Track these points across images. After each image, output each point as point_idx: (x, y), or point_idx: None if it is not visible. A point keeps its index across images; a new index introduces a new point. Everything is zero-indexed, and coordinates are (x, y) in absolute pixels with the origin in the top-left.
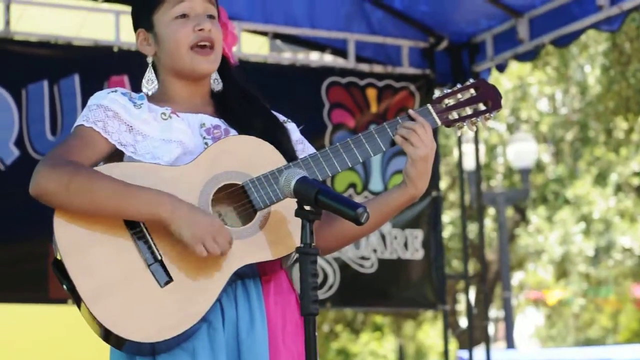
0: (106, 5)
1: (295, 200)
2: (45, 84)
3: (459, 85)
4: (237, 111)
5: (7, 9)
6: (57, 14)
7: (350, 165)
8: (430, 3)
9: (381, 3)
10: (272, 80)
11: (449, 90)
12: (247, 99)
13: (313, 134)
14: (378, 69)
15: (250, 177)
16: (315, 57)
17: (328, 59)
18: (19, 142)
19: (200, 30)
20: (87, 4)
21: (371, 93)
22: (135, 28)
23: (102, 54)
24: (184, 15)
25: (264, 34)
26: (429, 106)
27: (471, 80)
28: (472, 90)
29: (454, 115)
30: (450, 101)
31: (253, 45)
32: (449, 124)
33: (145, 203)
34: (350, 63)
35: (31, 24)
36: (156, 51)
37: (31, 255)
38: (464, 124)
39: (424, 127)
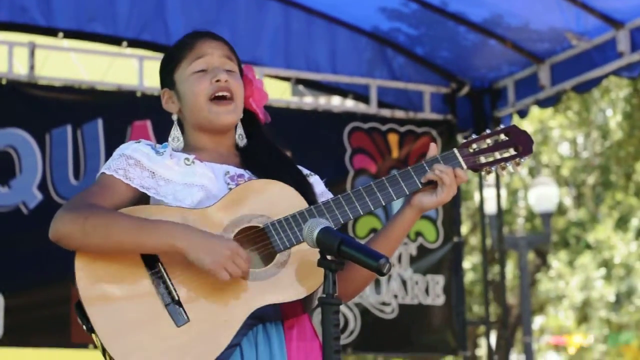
0: (130, 51)
1: (318, 250)
2: (69, 128)
3: (488, 130)
4: (264, 164)
5: (32, 53)
6: (81, 59)
7: (373, 209)
8: (451, 49)
9: (403, 49)
10: (294, 125)
11: (478, 136)
12: (274, 155)
13: (335, 179)
14: (400, 114)
15: (271, 220)
16: (337, 102)
17: (350, 104)
18: (42, 186)
19: (217, 81)
20: (111, 49)
21: (393, 138)
22: (161, 88)
23: (125, 98)
24: (202, 71)
25: (287, 79)
26: (455, 150)
27: (502, 126)
28: (502, 136)
29: (482, 159)
30: (479, 145)
31: (276, 91)
32: (475, 167)
33: (161, 235)
34: (372, 108)
35: (55, 68)
36: (180, 107)
37: (53, 299)
38: (492, 168)
39: (457, 174)
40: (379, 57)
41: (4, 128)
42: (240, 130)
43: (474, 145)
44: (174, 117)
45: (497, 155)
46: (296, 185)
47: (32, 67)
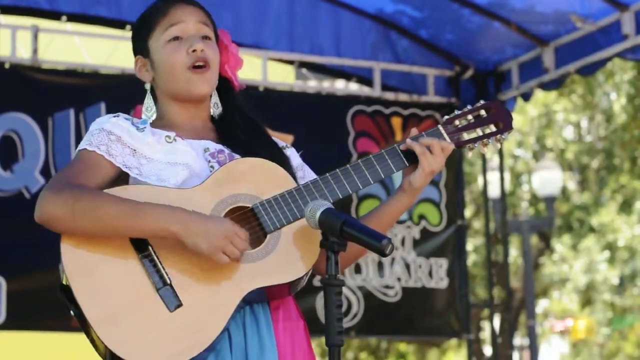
0: None
1: (321, 231)
2: (72, 112)
3: (469, 107)
4: (240, 138)
5: (35, 37)
6: (85, 42)
7: (361, 187)
8: (455, 32)
9: (407, 32)
10: (297, 108)
11: (460, 112)
12: (250, 126)
13: (338, 162)
14: (403, 97)
15: (259, 200)
16: (340, 86)
17: (354, 87)
18: (45, 171)
19: (194, 51)
20: (115, 33)
21: (396, 122)
22: (134, 56)
23: (128, 82)
24: (177, 38)
25: (290, 62)
26: (440, 127)
27: (482, 102)
28: (482, 112)
29: (465, 136)
30: (461, 122)
31: (279, 74)
32: (460, 144)
33: (155, 219)
34: (375, 92)
35: (58, 52)
36: (154, 76)
37: (53, 283)
38: (475, 145)
39: (443, 145)
40: (382, 40)
41: (7, 112)
42: (215, 98)
43: (457, 122)
44: (147, 86)
45: (479, 132)
46: (272, 158)
47: (35, 51)
